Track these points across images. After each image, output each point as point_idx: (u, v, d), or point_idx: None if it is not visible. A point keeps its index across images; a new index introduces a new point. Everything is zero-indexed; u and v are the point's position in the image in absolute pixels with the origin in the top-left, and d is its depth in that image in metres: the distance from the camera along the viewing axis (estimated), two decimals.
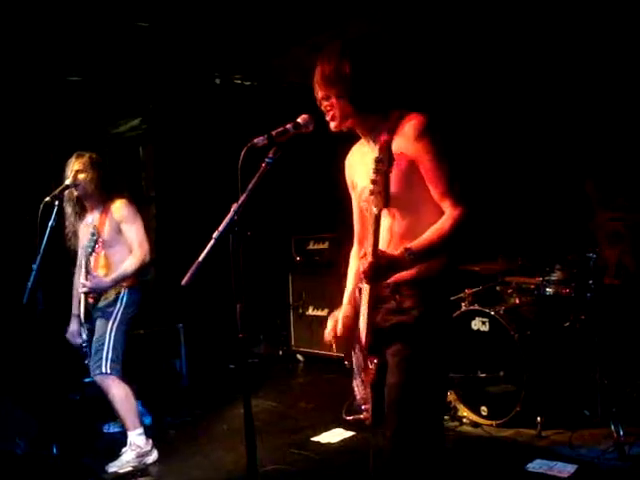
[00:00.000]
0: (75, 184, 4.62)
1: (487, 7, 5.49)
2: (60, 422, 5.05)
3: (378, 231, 2.50)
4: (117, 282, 4.64)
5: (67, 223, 4.82)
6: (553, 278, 5.18)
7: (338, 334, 2.91)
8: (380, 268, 2.50)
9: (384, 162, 2.42)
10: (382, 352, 2.68)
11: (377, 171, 2.43)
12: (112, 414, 5.35)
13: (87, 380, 4.69)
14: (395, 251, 2.58)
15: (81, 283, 4.60)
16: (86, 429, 5.48)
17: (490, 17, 5.62)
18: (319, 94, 2.73)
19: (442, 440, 2.82)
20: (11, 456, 4.88)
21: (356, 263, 3.05)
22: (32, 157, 6.79)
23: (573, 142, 6.16)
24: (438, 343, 2.72)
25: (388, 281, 2.64)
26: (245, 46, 6.25)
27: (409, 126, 2.65)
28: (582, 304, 4.99)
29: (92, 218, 4.79)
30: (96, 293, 4.66)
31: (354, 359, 2.89)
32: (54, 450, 4.54)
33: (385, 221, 2.70)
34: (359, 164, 2.88)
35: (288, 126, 2.66)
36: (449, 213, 2.62)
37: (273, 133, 2.60)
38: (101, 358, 4.60)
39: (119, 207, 4.72)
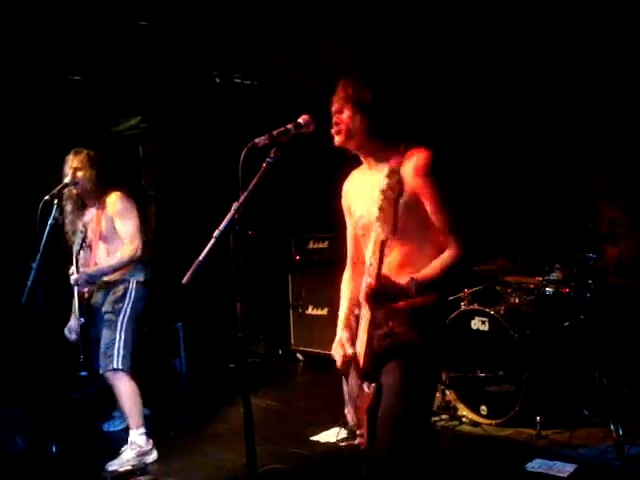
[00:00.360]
0: (74, 182, 4.63)
1: (485, 9, 5.50)
2: (59, 421, 5.05)
3: (382, 258, 2.50)
4: (103, 274, 4.66)
5: (67, 221, 4.81)
6: (552, 278, 5.19)
7: (349, 355, 2.86)
8: (385, 294, 2.52)
9: (393, 189, 2.40)
10: (379, 376, 2.70)
11: (385, 198, 2.41)
12: (111, 413, 5.37)
13: (82, 374, 4.68)
14: (398, 279, 2.59)
15: (71, 278, 4.61)
16: (85, 428, 5.48)
17: (490, 16, 5.62)
18: (334, 106, 2.76)
19: (427, 447, 2.86)
20: (10, 455, 4.88)
21: (349, 287, 3.07)
22: (32, 155, 6.79)
23: (573, 141, 6.16)
24: (428, 362, 2.76)
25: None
26: (245, 45, 6.25)
27: (414, 161, 2.67)
28: (581, 304, 5.00)
29: (90, 214, 4.80)
30: (88, 286, 4.68)
31: (346, 386, 2.91)
32: (53, 449, 4.54)
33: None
34: (357, 191, 2.89)
35: (289, 126, 2.66)
36: (451, 251, 2.65)
37: (274, 133, 2.61)
38: (112, 355, 4.62)
39: (113, 201, 4.73)
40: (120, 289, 4.71)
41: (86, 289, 4.74)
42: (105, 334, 4.68)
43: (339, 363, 2.91)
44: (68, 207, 4.78)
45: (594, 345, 4.79)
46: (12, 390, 5.61)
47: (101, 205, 4.74)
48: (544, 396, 4.93)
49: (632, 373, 4.99)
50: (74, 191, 4.71)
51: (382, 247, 2.48)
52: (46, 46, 5.75)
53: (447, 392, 5.31)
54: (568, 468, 4.22)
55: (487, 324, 5.09)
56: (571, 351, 5.07)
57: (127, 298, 4.73)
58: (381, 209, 2.43)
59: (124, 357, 4.64)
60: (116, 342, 4.64)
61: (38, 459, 4.75)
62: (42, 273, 4.31)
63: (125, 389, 4.67)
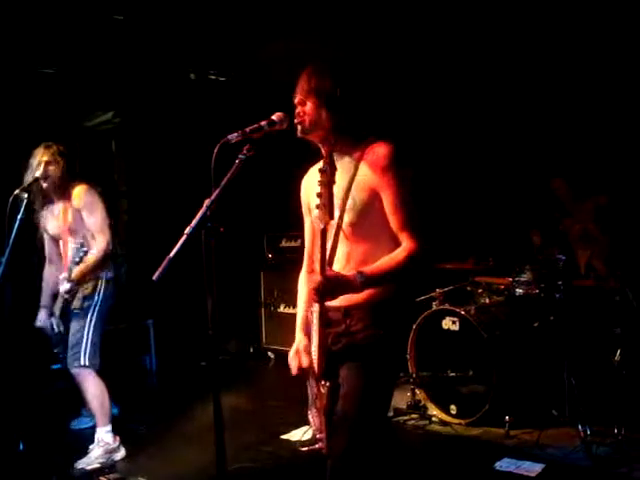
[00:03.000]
0: (46, 176, 4.57)
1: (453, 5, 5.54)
2: (26, 418, 5.00)
3: (325, 246, 2.51)
4: (85, 276, 4.59)
5: (36, 217, 4.74)
6: (523, 279, 5.23)
7: (305, 366, 2.88)
8: (328, 286, 2.50)
9: (327, 172, 2.42)
10: (335, 375, 2.68)
11: (321, 183, 2.43)
12: (79, 410, 5.32)
13: (55, 367, 4.64)
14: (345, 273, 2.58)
15: (63, 287, 4.53)
16: (53, 425, 5.42)
17: (456, 14, 5.65)
18: (297, 98, 2.72)
19: (384, 445, 2.85)
20: None
21: (305, 287, 3.05)
22: (2, 149, 6.70)
23: (543, 143, 6.22)
24: (386, 361, 2.73)
25: (339, 305, 2.66)
26: (220, 41, 6.22)
27: (375, 155, 2.65)
28: (551, 305, 5.04)
29: (57, 208, 4.73)
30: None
31: (308, 388, 2.89)
32: (20, 446, 4.49)
33: (342, 247, 2.70)
34: (316, 187, 2.83)
35: (262, 123, 2.64)
36: (404, 246, 2.62)
37: (247, 130, 2.59)
38: (79, 351, 4.57)
39: (78, 194, 4.65)
40: (89, 286, 4.65)
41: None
42: (73, 331, 4.63)
43: (294, 372, 2.92)
44: (37, 202, 4.70)
45: (563, 346, 4.83)
46: None
47: (67, 199, 4.67)
48: (513, 396, 4.96)
49: (600, 374, 5.04)
50: (43, 185, 4.64)
51: (324, 237, 2.49)
52: (18, 38, 5.68)
53: (417, 391, 5.34)
54: (536, 468, 4.26)
55: (457, 324, 5.12)
56: (540, 352, 5.11)
57: (96, 296, 4.67)
58: (319, 195, 2.43)
59: (91, 354, 4.60)
60: (83, 339, 4.59)
61: (5, 457, 4.69)
62: (11, 268, 4.26)
63: (92, 387, 4.63)
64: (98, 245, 4.60)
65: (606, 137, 5.89)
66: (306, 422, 2.95)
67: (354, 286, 2.54)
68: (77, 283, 4.55)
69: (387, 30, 5.90)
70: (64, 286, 4.50)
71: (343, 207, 2.65)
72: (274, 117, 2.68)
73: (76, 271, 4.48)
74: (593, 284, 5.30)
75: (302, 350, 2.93)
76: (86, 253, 4.40)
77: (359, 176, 2.65)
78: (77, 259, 4.40)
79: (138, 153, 8.04)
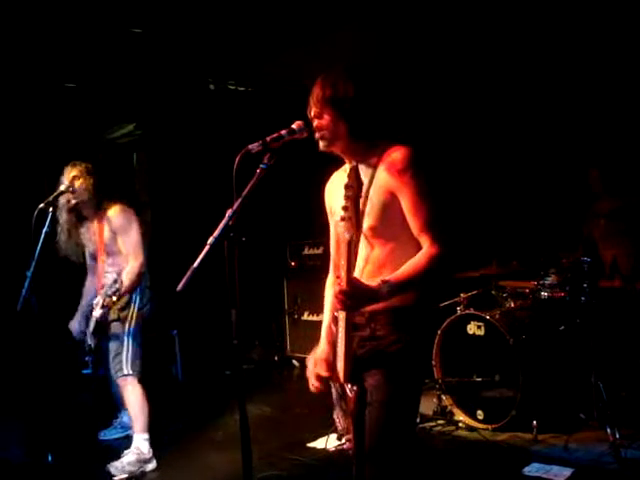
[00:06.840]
0: (72, 189, 4.62)
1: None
2: (55, 429, 5.04)
3: (351, 257, 2.50)
4: (119, 297, 4.62)
5: (59, 229, 4.79)
6: (548, 282, 5.20)
7: (324, 374, 2.89)
8: (355, 296, 2.48)
9: (353, 187, 2.44)
10: (361, 379, 2.67)
11: (347, 197, 2.45)
12: (110, 421, 5.35)
13: (85, 372, 4.71)
14: (372, 281, 2.55)
15: (96, 312, 4.59)
16: (82, 437, 5.46)
17: (474, 10, 5.63)
18: (312, 111, 2.71)
19: (413, 453, 2.84)
20: (6, 465, 4.86)
21: (331, 293, 3.01)
22: (27, 163, 6.78)
23: (569, 144, 6.18)
24: (412, 367, 2.72)
25: (364, 309, 2.63)
26: (239, 51, 6.25)
27: (393, 158, 2.64)
28: (577, 307, 5.00)
29: (92, 227, 4.78)
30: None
31: (333, 390, 2.89)
32: (49, 458, 4.52)
33: (363, 250, 2.71)
34: (339, 192, 2.77)
35: (282, 132, 2.65)
36: (426, 250, 2.60)
37: (267, 139, 2.60)
38: (121, 361, 4.67)
39: (114, 214, 4.71)
40: (124, 298, 4.71)
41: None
42: (113, 342, 4.70)
43: (312, 385, 2.95)
44: (63, 216, 4.75)
45: (590, 349, 4.79)
46: (9, 398, 5.59)
47: (102, 218, 4.73)
48: (540, 400, 4.92)
49: (628, 376, 4.99)
50: (72, 201, 4.69)
51: (349, 248, 2.48)
52: (41, 53, 5.75)
53: (443, 397, 5.31)
54: (565, 472, 4.23)
55: (483, 329, 5.09)
56: (567, 355, 5.07)
57: (132, 305, 4.75)
58: (345, 208, 2.44)
59: (133, 362, 4.69)
60: (124, 348, 4.68)
61: (34, 469, 4.73)
62: (37, 281, 4.31)
63: (133, 394, 4.70)
64: (131, 268, 4.65)
65: (631, 135, 5.84)
66: (332, 426, 2.94)
67: (381, 295, 2.51)
68: (110, 308, 4.62)
69: (403, 33, 5.90)
70: (96, 311, 4.57)
71: (362, 211, 2.65)
72: (294, 126, 2.68)
73: (109, 300, 4.51)
74: (619, 285, 5.26)
75: (324, 359, 2.93)
76: (118, 290, 4.45)
77: (377, 180, 2.65)
78: (109, 293, 4.45)
79: (159, 164, 8.09)
